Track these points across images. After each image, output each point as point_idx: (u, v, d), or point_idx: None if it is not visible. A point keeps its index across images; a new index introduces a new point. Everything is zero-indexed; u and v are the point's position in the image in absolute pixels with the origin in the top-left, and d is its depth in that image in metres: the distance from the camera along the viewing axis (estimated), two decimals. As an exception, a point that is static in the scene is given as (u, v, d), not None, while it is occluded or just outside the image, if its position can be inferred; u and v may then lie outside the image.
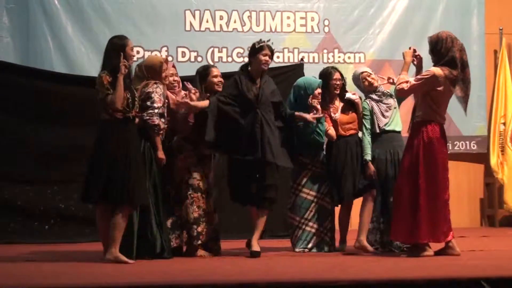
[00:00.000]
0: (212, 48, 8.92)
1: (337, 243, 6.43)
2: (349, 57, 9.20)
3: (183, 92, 6.11)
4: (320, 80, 6.39)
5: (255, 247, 5.88)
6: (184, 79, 6.27)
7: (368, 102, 6.38)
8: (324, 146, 6.47)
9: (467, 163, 9.50)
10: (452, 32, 5.85)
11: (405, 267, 4.99)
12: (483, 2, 9.51)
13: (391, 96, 6.38)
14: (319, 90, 6.28)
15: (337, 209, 6.54)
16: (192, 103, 5.84)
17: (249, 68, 6.02)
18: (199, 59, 8.76)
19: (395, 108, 6.37)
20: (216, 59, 8.85)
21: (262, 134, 5.83)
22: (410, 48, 5.99)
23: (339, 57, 9.17)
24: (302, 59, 8.62)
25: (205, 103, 5.87)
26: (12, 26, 8.47)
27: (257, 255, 5.82)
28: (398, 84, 5.86)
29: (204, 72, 6.12)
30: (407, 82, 5.80)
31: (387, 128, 6.29)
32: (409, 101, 6.27)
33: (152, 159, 5.70)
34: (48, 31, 8.52)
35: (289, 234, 6.55)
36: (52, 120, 7.39)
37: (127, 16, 8.75)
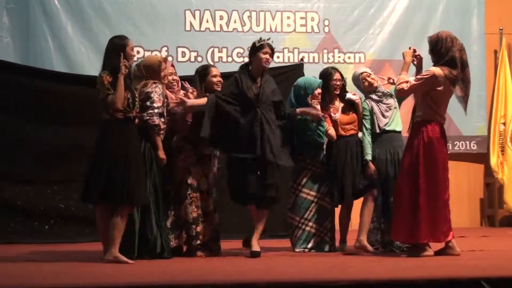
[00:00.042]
0: (212, 48, 8.92)
1: (337, 243, 6.43)
2: (349, 57, 9.20)
3: (182, 92, 6.11)
4: (320, 80, 6.39)
5: (255, 247, 5.87)
6: (184, 79, 6.27)
7: (368, 102, 6.38)
8: (324, 146, 6.47)
9: (467, 163, 9.50)
10: (452, 32, 5.85)
11: (405, 267, 4.99)
12: (483, 2, 9.51)
13: (391, 96, 6.38)
14: (319, 90, 6.28)
15: (337, 209, 6.54)
16: (189, 101, 5.84)
17: (250, 68, 6.01)
18: (199, 59, 8.76)
19: (395, 108, 6.37)
20: (216, 59, 8.85)
21: (262, 133, 5.81)
22: (410, 48, 5.99)
23: (339, 57, 9.18)
24: (302, 59, 8.62)
25: (203, 100, 5.86)
26: (12, 26, 8.47)
27: (257, 255, 5.81)
28: (398, 84, 5.86)
29: (203, 71, 6.13)
30: (407, 82, 5.80)
31: (387, 128, 6.29)
32: (409, 101, 6.27)
33: (152, 159, 5.70)
34: (48, 31, 8.52)
35: (289, 234, 6.55)
36: (52, 119, 7.39)
37: (127, 16, 8.75)
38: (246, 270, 4.91)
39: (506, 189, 9.27)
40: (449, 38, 5.72)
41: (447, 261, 5.30)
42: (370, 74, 6.45)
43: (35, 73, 7.62)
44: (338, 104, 6.48)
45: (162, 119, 5.69)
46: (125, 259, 5.29)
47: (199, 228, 5.89)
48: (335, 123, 6.39)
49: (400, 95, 6.13)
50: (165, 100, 5.79)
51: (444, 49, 5.70)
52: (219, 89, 6.01)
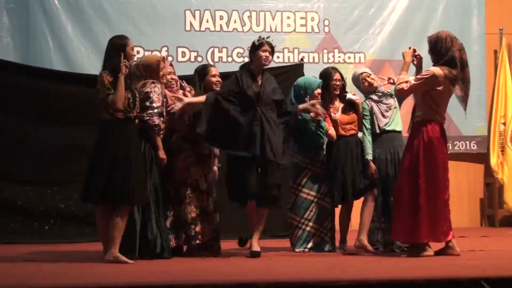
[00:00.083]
0: (212, 48, 8.93)
1: (337, 243, 6.43)
2: (349, 57, 9.21)
3: (180, 91, 6.11)
4: (320, 80, 6.39)
5: (255, 247, 5.87)
6: (183, 78, 6.27)
7: (367, 102, 6.38)
8: (324, 146, 6.47)
9: (467, 163, 9.50)
10: (452, 32, 5.85)
11: (405, 267, 4.99)
12: (483, 2, 9.51)
13: (391, 96, 6.37)
14: (318, 90, 6.27)
15: (338, 209, 6.54)
16: (187, 98, 5.83)
17: (251, 67, 5.99)
18: (199, 59, 8.76)
19: (395, 108, 6.37)
20: (216, 59, 8.85)
21: (262, 132, 5.78)
22: (410, 48, 5.99)
23: (339, 57, 9.18)
24: (302, 59, 8.62)
25: (201, 98, 5.85)
26: (12, 26, 8.48)
27: (257, 255, 5.81)
28: (398, 84, 5.86)
29: (202, 71, 6.13)
30: (406, 82, 5.80)
31: (388, 128, 6.29)
32: (409, 101, 6.26)
33: (152, 159, 5.70)
34: (48, 31, 8.52)
35: (289, 234, 6.55)
36: (52, 119, 7.39)
37: (127, 16, 8.75)
38: (246, 270, 4.91)
39: (506, 189, 9.27)
40: (449, 38, 5.72)
41: (447, 261, 5.30)
42: (370, 74, 6.45)
43: (35, 73, 7.62)
44: (338, 104, 6.48)
45: (162, 119, 5.69)
46: (125, 259, 5.29)
47: (198, 228, 5.89)
48: (335, 123, 6.40)
49: (400, 95, 6.13)
50: (164, 99, 5.79)
51: (443, 49, 5.70)
52: (218, 89, 6.01)
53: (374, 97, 6.37)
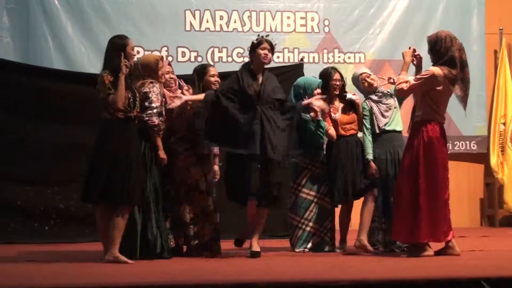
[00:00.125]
0: (212, 48, 8.93)
1: (337, 243, 6.43)
2: (349, 57, 9.21)
3: (179, 91, 6.09)
4: (320, 80, 6.39)
5: (255, 247, 5.86)
6: (181, 77, 6.26)
7: (367, 102, 6.38)
8: (324, 146, 6.47)
9: (467, 163, 9.50)
10: (452, 32, 5.84)
11: (405, 267, 4.99)
12: (483, 2, 9.51)
13: (391, 96, 6.37)
14: (318, 90, 6.27)
15: (337, 209, 6.54)
16: (185, 96, 5.82)
17: (251, 66, 5.98)
18: (199, 59, 8.76)
19: (395, 108, 6.37)
20: (216, 59, 8.85)
21: (262, 130, 5.76)
22: (409, 48, 5.99)
23: (339, 57, 9.18)
24: (302, 59, 8.63)
25: (200, 96, 5.84)
26: (12, 26, 8.48)
27: (257, 255, 5.80)
28: (398, 84, 5.86)
29: (201, 70, 6.13)
30: (406, 82, 5.80)
31: (387, 128, 6.29)
32: (409, 101, 6.26)
33: (152, 159, 5.70)
34: (48, 31, 8.52)
35: (289, 234, 6.55)
36: (52, 118, 7.38)
37: (127, 16, 8.75)
38: (246, 270, 4.91)
39: (506, 189, 9.28)
40: (448, 37, 5.72)
41: (447, 261, 5.30)
42: (370, 74, 6.45)
43: (35, 72, 7.62)
44: (338, 104, 6.48)
45: (161, 119, 5.69)
46: (125, 259, 5.29)
47: (197, 228, 5.89)
48: (335, 123, 6.40)
49: (400, 95, 6.13)
50: (163, 99, 5.78)
51: (443, 49, 5.70)
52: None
53: (374, 97, 6.37)
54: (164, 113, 5.73)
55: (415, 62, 5.94)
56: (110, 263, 5.24)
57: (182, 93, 5.96)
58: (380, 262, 5.38)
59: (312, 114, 6.19)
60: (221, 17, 9.00)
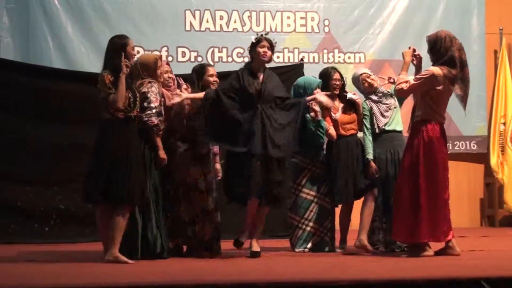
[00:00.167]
0: (212, 48, 8.93)
1: (337, 243, 6.43)
2: (349, 57, 9.21)
3: (177, 90, 6.08)
4: (320, 80, 6.39)
5: (255, 247, 5.86)
6: (181, 77, 6.25)
7: (367, 102, 6.38)
8: (324, 146, 6.47)
9: (467, 163, 9.50)
10: (452, 32, 5.85)
11: (405, 267, 4.99)
12: (483, 2, 9.51)
13: (391, 96, 6.37)
14: (318, 90, 6.26)
15: (338, 209, 6.54)
16: (185, 94, 5.80)
17: (252, 65, 5.97)
18: (199, 59, 8.76)
19: (395, 107, 6.36)
20: (216, 59, 8.85)
21: (263, 129, 5.73)
22: (409, 48, 5.99)
23: (339, 57, 9.18)
24: (302, 59, 8.63)
25: (199, 94, 5.84)
26: (12, 26, 8.48)
27: (257, 255, 5.80)
28: (398, 84, 5.86)
29: (200, 70, 6.13)
30: (406, 82, 5.80)
31: (387, 128, 6.29)
32: (410, 101, 6.26)
33: (151, 160, 5.69)
34: (48, 31, 8.52)
35: (289, 234, 6.55)
36: (52, 118, 7.38)
37: (127, 16, 8.75)
38: (246, 270, 4.91)
39: (506, 189, 9.27)
40: (448, 37, 5.72)
41: (447, 261, 5.30)
42: (370, 75, 6.45)
43: (35, 71, 7.62)
44: (338, 104, 6.48)
45: (161, 118, 5.68)
46: (125, 259, 5.29)
47: (197, 228, 5.89)
48: (335, 123, 6.40)
49: (400, 95, 6.13)
50: (162, 99, 5.78)
51: (443, 49, 5.70)
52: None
53: (374, 97, 6.37)
54: (163, 112, 5.73)
55: (415, 62, 5.94)
56: (110, 263, 5.24)
57: (181, 91, 5.96)
58: (380, 262, 5.38)
59: (312, 114, 6.20)
60: (221, 17, 9.00)
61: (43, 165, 7.32)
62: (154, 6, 8.84)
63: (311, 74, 6.86)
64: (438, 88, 5.70)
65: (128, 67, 5.39)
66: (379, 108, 6.32)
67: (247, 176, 5.70)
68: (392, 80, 6.42)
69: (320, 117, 6.28)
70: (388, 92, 6.41)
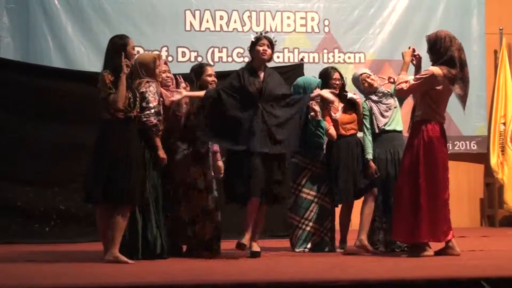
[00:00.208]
0: (212, 48, 8.93)
1: (337, 243, 6.43)
2: (349, 57, 9.21)
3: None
4: (320, 80, 6.39)
5: (255, 247, 5.86)
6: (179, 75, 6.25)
7: (367, 102, 6.39)
8: (324, 146, 6.47)
9: (467, 163, 9.50)
10: (452, 32, 5.84)
11: (405, 267, 4.99)
12: (483, 2, 9.52)
13: (391, 96, 6.37)
14: (318, 90, 6.25)
15: (338, 209, 6.54)
16: (185, 92, 5.79)
17: (252, 64, 5.95)
18: (199, 59, 8.76)
19: (395, 107, 6.36)
20: (216, 59, 8.85)
21: (263, 128, 5.71)
22: (409, 48, 5.99)
23: (339, 57, 9.18)
24: (302, 59, 8.63)
25: (200, 93, 5.84)
26: (12, 26, 8.48)
27: (257, 255, 5.80)
28: (398, 84, 5.86)
29: (199, 69, 6.12)
30: (406, 82, 5.80)
31: (387, 128, 6.29)
32: (410, 101, 6.26)
33: (151, 160, 5.69)
34: (48, 31, 8.53)
35: (289, 234, 6.55)
36: (52, 118, 7.38)
37: (127, 16, 8.75)
38: (246, 270, 4.91)
39: (506, 189, 9.28)
40: (448, 37, 5.72)
41: (447, 261, 5.30)
42: (370, 75, 6.45)
43: (35, 71, 7.62)
44: (338, 104, 6.48)
45: (160, 118, 5.68)
46: (125, 259, 5.28)
47: (197, 227, 5.89)
48: (335, 123, 6.40)
49: (400, 95, 6.13)
50: (160, 98, 5.77)
51: (443, 49, 5.70)
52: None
53: (374, 97, 6.37)
54: (162, 111, 5.72)
55: (414, 62, 5.94)
56: (110, 263, 5.24)
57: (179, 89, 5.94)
58: (380, 262, 5.38)
59: (312, 114, 6.19)
60: (221, 17, 9.00)
61: (43, 165, 7.32)
62: (154, 6, 8.84)
63: (311, 74, 6.87)
64: (438, 88, 5.70)
65: (128, 67, 5.39)
66: (378, 108, 6.32)
67: (247, 175, 5.69)
68: (392, 80, 6.42)
69: (320, 117, 6.29)
70: (388, 92, 6.41)
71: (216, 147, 6.20)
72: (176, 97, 5.75)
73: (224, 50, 8.94)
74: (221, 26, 9.00)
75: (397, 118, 6.36)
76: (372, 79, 6.41)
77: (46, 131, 7.38)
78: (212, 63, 8.48)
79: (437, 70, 5.68)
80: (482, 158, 9.49)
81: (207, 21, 8.96)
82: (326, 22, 9.21)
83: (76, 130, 7.24)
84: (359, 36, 9.25)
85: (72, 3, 8.63)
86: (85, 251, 6.31)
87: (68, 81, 7.53)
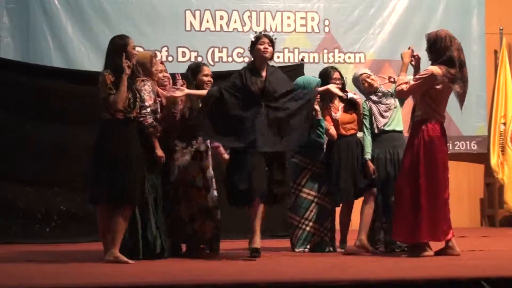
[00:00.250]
0: (212, 48, 8.93)
1: (337, 243, 6.43)
2: (349, 57, 9.21)
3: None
4: (319, 79, 6.39)
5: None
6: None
7: (367, 102, 6.39)
8: (324, 145, 6.47)
9: (467, 163, 9.50)
10: (452, 32, 5.84)
11: (405, 267, 4.99)
12: (483, 2, 9.51)
13: (391, 96, 6.37)
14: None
15: (338, 209, 6.54)
16: (187, 90, 5.77)
17: (254, 64, 5.94)
18: (199, 59, 8.75)
19: (395, 108, 6.36)
20: (216, 59, 8.85)
21: (266, 127, 5.69)
22: (408, 49, 5.99)
23: (339, 57, 9.18)
24: (302, 59, 8.63)
25: (203, 91, 5.83)
26: (12, 26, 8.48)
27: (257, 255, 5.79)
28: (398, 86, 5.86)
29: (196, 68, 6.10)
30: (406, 83, 5.80)
31: (387, 128, 6.29)
32: (410, 101, 6.25)
33: (150, 160, 5.68)
34: (48, 31, 8.53)
35: (289, 234, 6.55)
36: (52, 118, 7.38)
37: (127, 16, 8.75)
38: (246, 270, 4.91)
39: (506, 189, 9.28)
40: (448, 37, 5.72)
41: (447, 261, 5.31)
42: (370, 75, 6.45)
43: (35, 70, 7.62)
44: (338, 104, 6.48)
45: (157, 116, 5.67)
46: (125, 259, 5.28)
47: (197, 226, 5.88)
48: (335, 123, 6.40)
49: (400, 97, 6.13)
50: (156, 97, 5.75)
51: (442, 48, 5.70)
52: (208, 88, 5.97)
53: (374, 97, 6.37)
54: (158, 110, 5.71)
55: (413, 63, 5.94)
56: (110, 263, 5.24)
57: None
58: (380, 262, 5.38)
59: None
60: (221, 17, 9.00)
61: (43, 165, 7.32)
62: (154, 6, 8.84)
63: (311, 74, 6.86)
64: (437, 87, 5.70)
65: (129, 67, 5.38)
66: (378, 109, 6.32)
67: (248, 173, 5.66)
68: (392, 79, 6.41)
69: (320, 116, 6.29)
70: (389, 92, 6.41)
71: (216, 143, 6.18)
72: (178, 94, 5.73)
73: (224, 50, 8.94)
74: (221, 26, 9.00)
75: (397, 118, 6.35)
76: (372, 79, 6.41)
77: (46, 131, 7.38)
78: (212, 63, 8.49)
79: (436, 69, 5.68)
80: (482, 158, 9.49)
81: (207, 21, 8.95)
82: (326, 22, 9.21)
83: (76, 130, 7.24)
84: (359, 36, 9.25)
85: (72, 3, 8.63)
86: (85, 251, 6.31)
87: (68, 81, 7.54)
